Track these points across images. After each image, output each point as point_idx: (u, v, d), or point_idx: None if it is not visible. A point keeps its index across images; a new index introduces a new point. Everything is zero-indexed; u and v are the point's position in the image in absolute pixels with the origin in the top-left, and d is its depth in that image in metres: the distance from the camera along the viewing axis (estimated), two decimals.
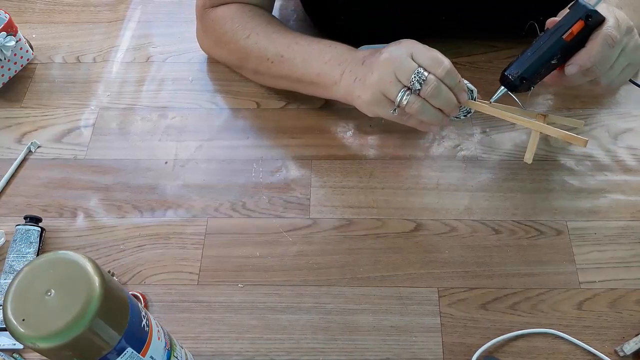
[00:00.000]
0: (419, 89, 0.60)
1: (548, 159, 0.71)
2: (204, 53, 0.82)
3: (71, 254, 0.40)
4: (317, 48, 0.68)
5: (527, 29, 0.62)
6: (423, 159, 0.72)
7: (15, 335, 0.37)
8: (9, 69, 0.80)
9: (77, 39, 0.86)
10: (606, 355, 0.57)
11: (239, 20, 0.73)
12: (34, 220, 0.66)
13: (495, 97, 0.64)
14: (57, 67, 0.83)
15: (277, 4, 0.86)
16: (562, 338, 0.59)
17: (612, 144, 0.72)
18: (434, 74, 0.60)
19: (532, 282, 0.62)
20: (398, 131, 0.74)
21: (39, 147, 0.75)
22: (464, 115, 0.66)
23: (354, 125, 0.75)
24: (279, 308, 0.61)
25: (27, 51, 0.82)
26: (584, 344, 0.58)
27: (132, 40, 0.86)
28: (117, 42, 0.86)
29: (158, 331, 0.47)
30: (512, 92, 0.63)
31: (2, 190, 0.71)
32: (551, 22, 0.61)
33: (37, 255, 0.64)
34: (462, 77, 0.62)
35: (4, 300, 0.39)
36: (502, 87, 0.63)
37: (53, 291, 0.38)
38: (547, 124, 0.66)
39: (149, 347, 0.44)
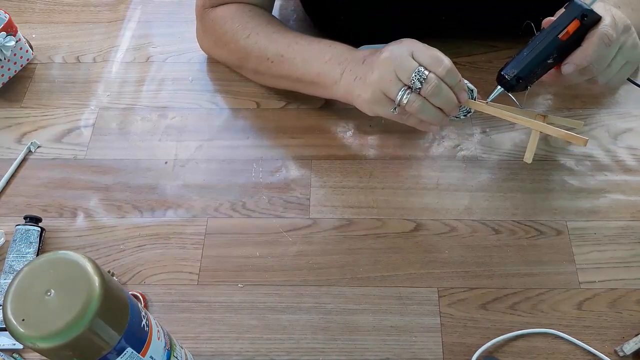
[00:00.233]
0: (419, 88, 0.60)
1: (548, 159, 0.71)
2: (204, 53, 0.82)
3: (71, 254, 0.40)
4: (317, 48, 0.68)
5: (523, 28, 0.62)
6: (423, 159, 0.72)
7: (15, 335, 0.37)
8: (9, 69, 0.80)
9: (77, 39, 0.86)
10: (606, 355, 0.57)
11: (239, 20, 0.73)
12: (34, 220, 0.66)
13: (492, 96, 0.64)
14: (57, 67, 0.83)
15: (277, 4, 0.86)
16: (562, 338, 0.59)
17: (612, 144, 0.72)
18: (435, 73, 0.60)
19: (532, 282, 0.62)
20: (398, 131, 0.74)
21: (39, 147, 0.75)
22: (464, 115, 0.66)
23: (354, 125, 0.75)
24: (279, 308, 0.61)
25: (27, 51, 0.82)
26: (584, 344, 0.58)
27: (132, 40, 0.86)
28: (117, 42, 0.86)
29: (158, 331, 0.47)
30: (508, 91, 0.63)
31: (2, 190, 0.71)
32: (547, 21, 0.61)
33: (37, 255, 0.64)
34: (462, 77, 0.62)
35: (4, 300, 0.39)
36: (499, 87, 0.63)
37: (53, 291, 0.38)
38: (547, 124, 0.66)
39: (149, 347, 0.44)
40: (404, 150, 0.73)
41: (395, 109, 0.62)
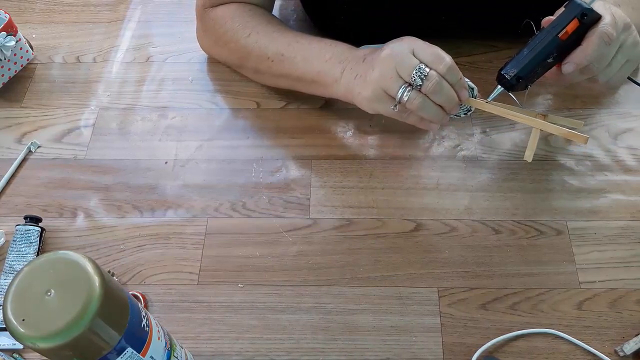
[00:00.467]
0: (420, 85, 0.60)
1: (548, 159, 0.71)
2: (204, 53, 0.82)
3: (71, 254, 0.40)
4: (318, 46, 0.68)
5: (523, 27, 0.62)
6: (423, 159, 0.72)
7: (15, 335, 0.37)
8: (9, 69, 0.80)
9: (77, 39, 0.86)
10: (606, 355, 0.57)
11: (239, 20, 0.73)
12: (34, 220, 0.66)
13: (492, 96, 0.64)
14: (57, 67, 0.83)
15: (277, 4, 0.86)
16: (562, 338, 0.59)
17: (612, 144, 0.72)
18: (436, 70, 0.60)
19: (532, 282, 0.62)
20: (398, 131, 0.74)
21: (39, 147, 0.75)
22: (464, 114, 0.66)
23: (354, 125, 0.75)
24: (279, 308, 0.61)
25: (27, 51, 0.82)
26: (584, 344, 0.58)
27: (132, 40, 0.86)
28: (117, 42, 0.86)
29: (158, 331, 0.47)
30: (508, 91, 0.63)
31: (2, 190, 0.71)
32: (547, 20, 0.61)
33: (37, 255, 0.64)
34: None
35: (4, 300, 0.39)
36: (499, 86, 0.63)
37: (53, 291, 0.38)
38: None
39: (149, 347, 0.44)
40: (404, 150, 0.73)
41: (395, 106, 0.62)
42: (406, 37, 0.63)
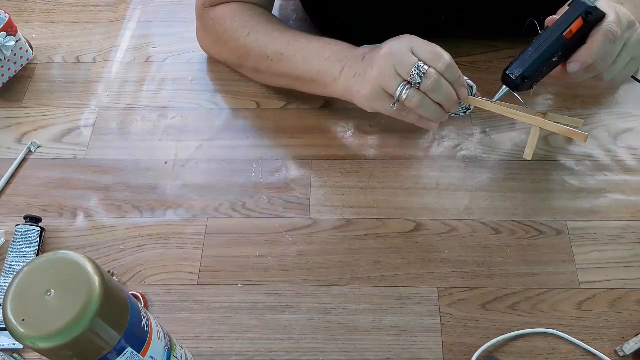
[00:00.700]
0: (419, 83, 0.60)
1: (548, 159, 0.71)
2: (204, 53, 0.82)
3: (71, 254, 0.40)
4: (317, 45, 0.68)
5: (526, 26, 0.62)
6: (423, 159, 0.72)
7: (15, 335, 0.37)
8: (9, 69, 0.80)
9: (77, 39, 0.86)
10: (606, 355, 0.57)
11: (239, 19, 0.73)
12: (34, 220, 0.66)
13: (497, 96, 0.64)
14: (57, 67, 0.83)
15: (277, 4, 0.86)
16: (562, 338, 0.59)
17: (612, 144, 0.72)
18: (435, 68, 0.60)
19: (532, 282, 0.62)
20: (398, 131, 0.74)
21: (39, 147, 0.75)
22: (464, 112, 0.66)
23: (354, 125, 0.75)
24: (279, 308, 0.61)
25: (27, 51, 0.82)
26: (584, 344, 0.58)
27: (132, 40, 0.86)
28: (117, 42, 0.86)
29: (158, 331, 0.47)
30: (514, 91, 0.62)
31: (2, 190, 0.71)
32: (550, 20, 0.61)
33: (37, 255, 0.64)
34: None
35: (4, 300, 0.39)
36: (504, 87, 0.63)
37: (53, 291, 0.38)
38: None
39: (149, 347, 0.44)
40: (404, 150, 0.73)
41: (394, 104, 0.62)
42: (405, 35, 0.63)
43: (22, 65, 0.82)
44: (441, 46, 0.62)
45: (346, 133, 0.75)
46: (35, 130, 0.76)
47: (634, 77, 0.66)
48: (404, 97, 0.60)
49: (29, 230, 0.64)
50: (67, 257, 0.40)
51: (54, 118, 0.78)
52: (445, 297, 0.61)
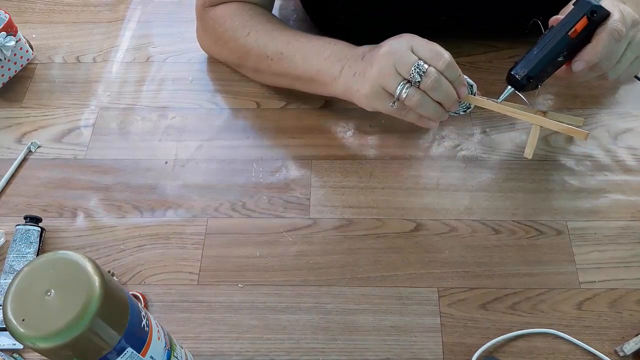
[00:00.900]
0: (418, 82, 0.59)
1: (548, 159, 0.71)
2: (204, 53, 0.82)
3: (71, 254, 0.40)
4: (317, 45, 0.68)
5: (530, 26, 0.62)
6: (423, 159, 0.72)
7: (15, 335, 0.37)
8: (9, 69, 0.80)
9: (77, 39, 0.86)
10: (606, 355, 0.57)
11: (239, 19, 0.73)
12: (34, 220, 0.66)
13: (502, 97, 0.64)
14: (57, 67, 0.83)
15: (277, 4, 0.86)
16: (562, 338, 0.59)
17: (612, 144, 0.72)
18: (435, 67, 0.59)
19: (532, 282, 0.62)
20: (398, 131, 0.74)
21: (39, 147, 0.75)
22: (464, 111, 0.66)
23: (354, 125, 0.75)
24: (279, 308, 0.61)
25: (27, 51, 0.82)
26: (584, 344, 0.58)
27: (132, 40, 0.86)
28: (117, 42, 0.86)
29: (158, 331, 0.47)
30: (519, 91, 0.62)
31: (2, 190, 0.71)
32: (554, 20, 0.61)
33: (37, 255, 0.64)
34: None
35: (4, 300, 0.39)
36: (509, 87, 0.63)
37: (53, 291, 0.38)
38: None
39: (149, 347, 0.44)
40: (404, 150, 0.73)
41: (394, 103, 0.62)
42: (405, 34, 0.63)
43: (22, 65, 0.82)
44: (441, 46, 0.62)
45: (346, 133, 0.75)
46: (35, 130, 0.76)
47: (636, 77, 0.65)
48: (404, 95, 0.60)
49: (29, 230, 0.64)
50: (67, 257, 0.40)
51: (54, 118, 0.78)
52: (445, 297, 0.61)
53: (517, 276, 0.63)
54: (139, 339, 0.43)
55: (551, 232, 0.66)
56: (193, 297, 0.62)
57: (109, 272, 0.61)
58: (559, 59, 0.60)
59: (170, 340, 0.50)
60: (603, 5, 0.58)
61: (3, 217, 0.68)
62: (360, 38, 0.68)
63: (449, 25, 0.78)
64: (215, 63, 0.82)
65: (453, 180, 0.70)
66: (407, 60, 0.59)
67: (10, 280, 0.58)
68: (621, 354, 0.57)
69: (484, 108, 0.65)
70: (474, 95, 0.65)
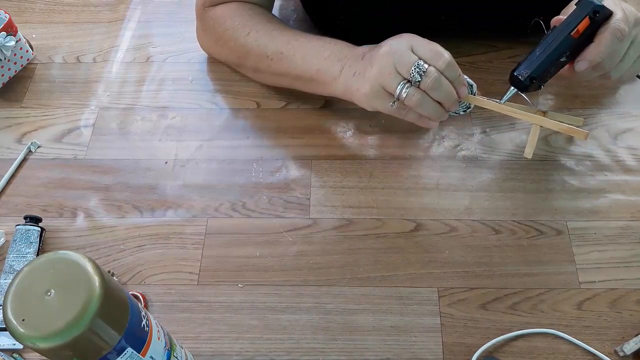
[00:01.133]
0: (418, 81, 0.59)
1: (548, 159, 0.71)
2: (204, 53, 0.82)
3: (71, 254, 0.40)
4: (317, 45, 0.68)
5: (532, 26, 0.61)
6: (423, 159, 0.72)
7: (15, 335, 0.37)
8: (9, 69, 0.80)
9: (77, 39, 0.86)
10: (606, 355, 0.57)
11: (239, 19, 0.73)
12: (34, 220, 0.66)
13: (505, 98, 0.64)
14: (57, 67, 0.83)
15: (277, 4, 0.86)
16: (562, 338, 0.59)
17: (612, 144, 0.72)
18: (435, 67, 0.59)
19: (532, 282, 0.62)
20: (398, 131, 0.74)
21: (39, 147, 0.75)
22: (464, 111, 0.66)
23: (354, 125, 0.75)
24: (279, 308, 0.61)
25: (27, 51, 0.82)
26: (584, 344, 0.58)
27: (132, 40, 0.86)
28: (117, 42, 0.86)
29: (158, 331, 0.47)
30: (522, 92, 0.62)
31: (2, 190, 0.71)
32: (557, 20, 0.61)
33: (37, 255, 0.64)
34: None
35: (4, 300, 0.38)
36: (512, 88, 0.63)
37: (53, 291, 0.38)
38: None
39: (149, 347, 0.44)
40: (404, 150, 0.73)
41: (394, 103, 0.62)
42: (405, 34, 0.63)
43: (22, 65, 0.82)
44: (441, 46, 0.62)
45: (346, 133, 0.75)
46: (35, 130, 0.76)
47: (638, 76, 0.65)
48: (404, 95, 0.60)
49: (29, 230, 0.64)
50: (67, 257, 0.40)
51: (54, 118, 0.78)
52: (445, 297, 0.61)
53: (517, 276, 0.63)
54: (139, 339, 0.43)
55: (551, 232, 0.66)
56: (193, 297, 0.62)
57: (109, 272, 0.61)
58: (562, 59, 0.60)
59: (170, 340, 0.50)
60: (605, 4, 0.58)
61: (3, 217, 0.68)
62: (360, 38, 0.68)
63: (449, 25, 0.78)
64: (215, 63, 0.82)
65: (453, 180, 0.70)
66: (407, 59, 0.59)
67: (10, 280, 0.58)
68: (621, 354, 0.57)
69: (484, 108, 0.65)
70: (474, 95, 0.65)
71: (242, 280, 0.63)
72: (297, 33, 0.71)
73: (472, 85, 0.65)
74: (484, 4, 0.74)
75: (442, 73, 0.60)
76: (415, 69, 0.59)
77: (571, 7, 0.60)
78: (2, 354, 0.59)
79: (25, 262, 0.62)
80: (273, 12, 0.80)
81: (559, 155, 0.72)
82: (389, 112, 0.64)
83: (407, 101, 0.61)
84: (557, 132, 0.69)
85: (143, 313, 0.44)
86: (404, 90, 0.60)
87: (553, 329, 0.59)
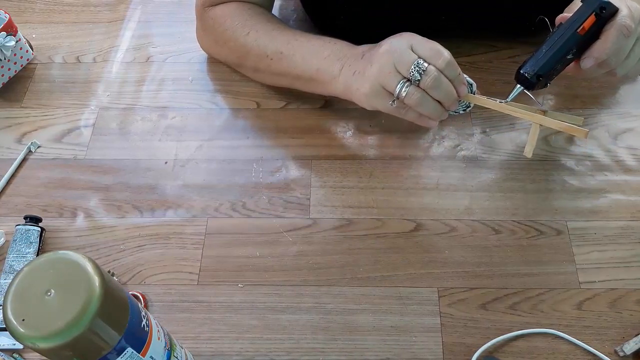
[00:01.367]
0: (418, 80, 0.59)
1: (548, 159, 0.71)
2: (204, 53, 0.82)
3: (71, 254, 0.40)
4: (316, 44, 0.68)
5: (536, 23, 0.61)
6: (423, 159, 0.72)
7: (15, 335, 0.37)
8: (9, 69, 0.80)
9: (77, 39, 0.86)
10: (606, 355, 0.57)
11: (239, 19, 0.73)
12: (34, 220, 0.66)
13: (511, 96, 0.63)
14: (57, 67, 0.83)
15: (277, 4, 0.86)
16: (562, 338, 0.59)
17: (612, 144, 0.72)
18: (434, 65, 0.59)
19: (532, 282, 0.62)
20: (398, 131, 0.74)
21: (39, 147, 0.75)
22: (463, 110, 0.66)
23: (354, 125, 0.75)
24: (279, 308, 0.61)
25: (27, 51, 0.82)
26: (584, 344, 0.58)
27: (132, 40, 0.86)
28: (117, 42, 0.86)
29: (158, 331, 0.47)
30: (528, 90, 0.62)
31: (2, 190, 0.71)
32: (562, 18, 0.60)
33: (37, 255, 0.64)
34: None
35: (4, 300, 0.39)
36: (518, 86, 0.62)
37: (53, 291, 0.38)
38: None
39: (149, 347, 0.44)
40: (404, 150, 0.73)
41: (394, 102, 0.62)
42: (405, 32, 0.63)
43: (22, 65, 0.82)
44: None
45: (346, 133, 0.75)
46: (35, 130, 0.76)
47: None
48: (404, 94, 0.60)
49: (29, 230, 0.64)
50: (67, 257, 0.40)
51: (54, 118, 0.78)
52: (445, 297, 0.61)
53: (517, 276, 0.63)
54: (139, 339, 0.43)
55: (551, 232, 0.66)
56: (193, 297, 0.62)
57: (109, 272, 0.61)
58: (568, 57, 0.60)
59: (170, 340, 0.50)
60: (611, 1, 0.57)
61: (3, 217, 0.68)
62: (360, 38, 0.68)
63: (449, 25, 0.78)
64: (215, 63, 0.82)
65: (453, 180, 0.70)
66: (406, 58, 0.59)
67: (10, 280, 0.58)
68: (621, 354, 0.57)
69: (484, 107, 0.65)
70: (474, 94, 0.65)
71: (242, 280, 0.63)
72: (296, 33, 0.71)
73: (471, 84, 0.65)
74: (484, 4, 0.74)
75: (441, 72, 0.60)
76: (415, 67, 0.59)
77: (576, 5, 0.60)
78: (2, 354, 0.59)
79: (25, 262, 0.62)
80: (273, 12, 0.80)
81: (559, 155, 0.72)
82: (388, 112, 0.64)
83: (407, 100, 0.61)
84: (557, 132, 0.69)
85: (143, 313, 0.44)
86: (403, 89, 0.60)
87: (553, 329, 0.59)
